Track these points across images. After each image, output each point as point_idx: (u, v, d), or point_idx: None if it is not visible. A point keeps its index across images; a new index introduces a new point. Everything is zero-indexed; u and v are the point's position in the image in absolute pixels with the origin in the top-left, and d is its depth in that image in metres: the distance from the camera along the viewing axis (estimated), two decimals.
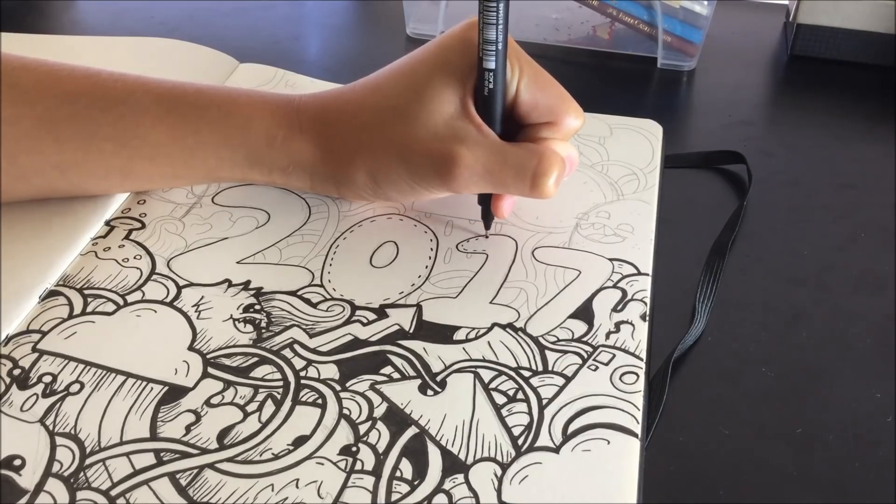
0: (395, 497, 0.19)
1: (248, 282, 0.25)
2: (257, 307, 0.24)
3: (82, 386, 0.22)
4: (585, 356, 0.23)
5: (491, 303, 0.25)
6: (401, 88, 0.24)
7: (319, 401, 0.22)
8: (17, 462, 0.20)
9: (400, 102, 0.24)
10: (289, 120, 0.25)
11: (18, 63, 0.25)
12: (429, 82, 0.24)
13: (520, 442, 0.21)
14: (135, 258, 0.26)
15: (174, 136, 0.25)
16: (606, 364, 0.23)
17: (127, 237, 0.27)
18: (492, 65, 0.23)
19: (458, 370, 0.23)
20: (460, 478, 0.20)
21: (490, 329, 0.24)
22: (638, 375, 0.23)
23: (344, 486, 0.20)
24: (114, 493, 0.19)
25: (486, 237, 0.27)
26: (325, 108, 0.25)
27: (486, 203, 0.26)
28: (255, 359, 0.23)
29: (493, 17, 0.23)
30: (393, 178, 0.25)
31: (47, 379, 0.22)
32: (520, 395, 0.22)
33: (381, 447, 0.21)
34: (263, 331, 0.24)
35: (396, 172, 0.24)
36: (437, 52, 0.25)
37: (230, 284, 0.25)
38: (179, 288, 0.25)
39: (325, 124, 0.25)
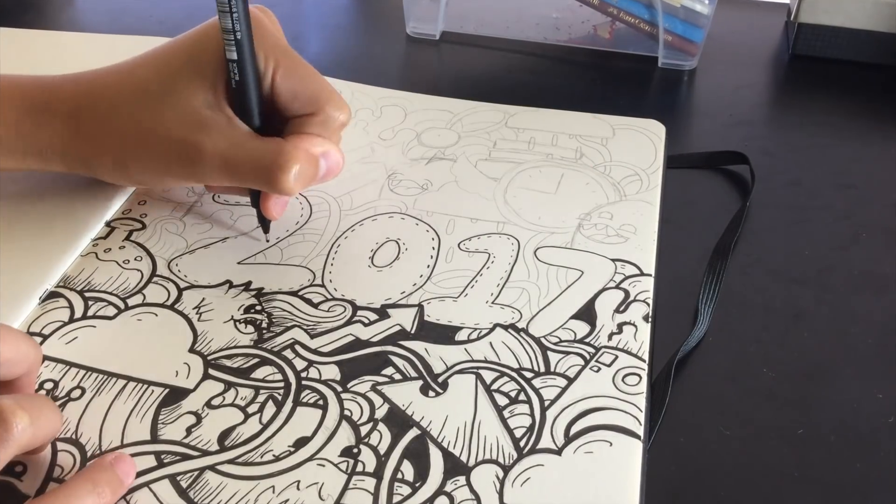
0: (396, 499, 0.19)
1: (249, 282, 0.25)
2: (258, 308, 0.24)
3: (83, 391, 0.22)
4: (588, 357, 0.23)
5: (493, 303, 0.25)
6: (153, 73, 0.24)
7: (320, 402, 0.22)
8: (19, 468, 0.20)
9: (151, 87, 0.24)
10: (39, 104, 0.25)
11: None
12: (181, 69, 0.24)
13: (522, 444, 0.21)
14: (135, 259, 0.26)
15: None
16: (609, 365, 0.23)
17: (128, 238, 0.27)
18: (234, 55, 0.23)
19: (460, 371, 0.23)
20: (462, 480, 0.20)
21: (492, 330, 0.24)
22: (640, 377, 0.22)
23: (345, 488, 0.20)
24: None
25: (267, 241, 0.26)
26: (79, 89, 0.25)
27: (257, 204, 0.26)
28: (256, 360, 0.23)
29: (225, 4, 0.22)
30: (140, 163, 0.25)
31: (48, 385, 0.22)
32: (522, 397, 0.22)
33: (382, 449, 0.20)
34: (264, 332, 0.24)
35: (143, 158, 0.24)
36: (193, 39, 0.24)
37: (231, 285, 0.25)
38: (180, 290, 0.25)
39: (78, 106, 0.25)
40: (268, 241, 0.26)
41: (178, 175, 0.25)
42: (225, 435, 0.21)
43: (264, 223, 0.26)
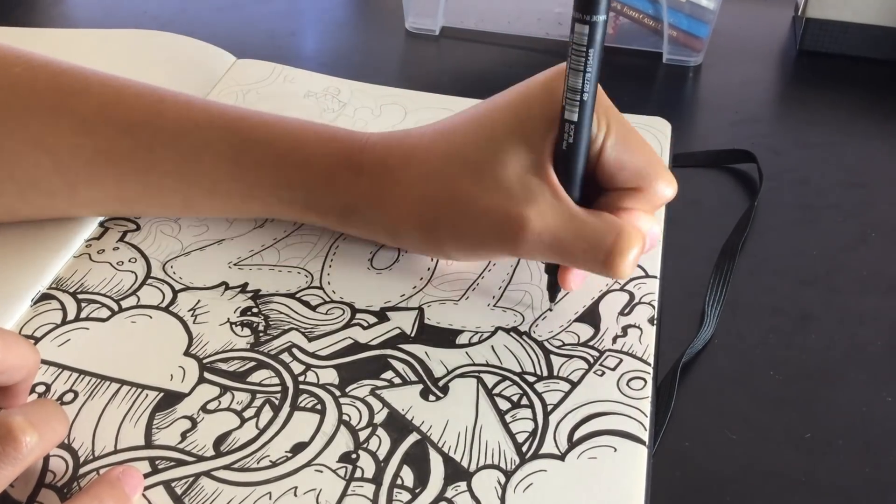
0: None
1: (246, 284, 0.25)
2: (255, 310, 0.24)
3: (76, 395, 0.22)
4: (592, 361, 0.23)
5: (494, 306, 0.24)
6: (473, 137, 0.22)
7: (318, 406, 0.21)
8: None
9: (471, 152, 0.22)
10: (351, 160, 0.24)
11: (81, 85, 0.24)
12: (505, 133, 0.22)
13: (524, 449, 0.20)
14: (129, 261, 0.26)
15: (234, 173, 0.24)
16: (613, 369, 0.22)
17: (121, 239, 0.26)
18: (574, 117, 0.21)
19: (461, 375, 0.22)
20: (463, 486, 0.19)
21: (494, 333, 0.23)
22: (645, 381, 0.22)
23: (343, 494, 0.19)
24: None
25: (551, 310, 0.24)
26: (390, 149, 0.23)
27: (554, 273, 0.23)
28: (253, 363, 0.23)
29: (580, 62, 0.20)
30: (454, 236, 0.22)
31: (41, 389, 0.22)
32: (524, 401, 0.21)
33: (381, 454, 0.20)
34: (261, 334, 0.23)
35: (458, 231, 0.22)
36: (517, 99, 0.22)
37: (227, 287, 0.25)
38: (175, 292, 0.25)
39: (387, 168, 0.23)
40: (552, 309, 0.24)
41: (495, 250, 0.22)
42: (221, 440, 0.20)
43: (553, 293, 0.24)
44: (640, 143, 0.22)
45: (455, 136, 0.23)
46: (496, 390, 0.22)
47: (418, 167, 0.23)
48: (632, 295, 0.25)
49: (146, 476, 0.20)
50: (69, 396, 0.21)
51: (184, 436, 0.20)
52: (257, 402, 0.21)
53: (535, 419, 0.21)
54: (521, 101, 0.22)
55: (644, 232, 0.22)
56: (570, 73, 0.21)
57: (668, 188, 0.22)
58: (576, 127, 0.21)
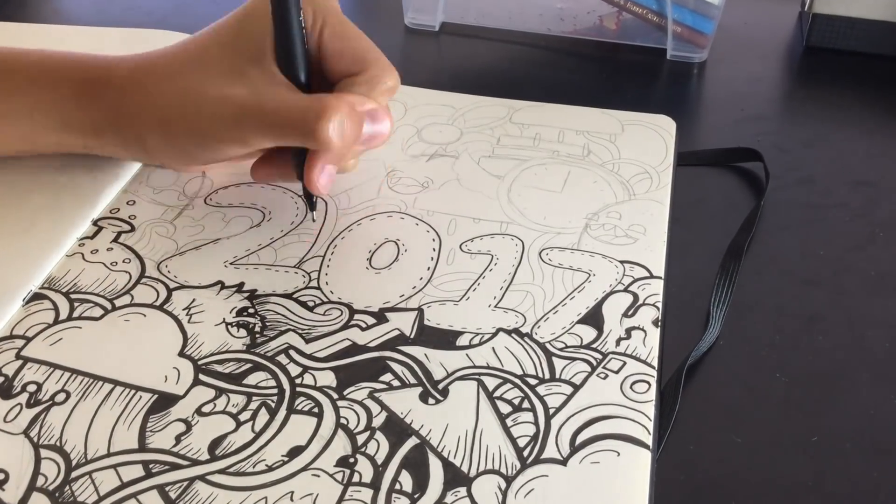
0: None
1: (242, 284, 0.25)
2: (251, 311, 0.24)
3: (68, 395, 0.21)
4: (595, 363, 0.22)
5: (496, 307, 0.24)
6: (203, 41, 0.25)
7: (315, 409, 0.21)
8: (0, 476, 0.19)
9: (201, 53, 0.25)
10: (98, 79, 0.25)
11: None
12: (230, 34, 0.24)
13: (525, 453, 0.20)
14: (123, 262, 0.25)
15: None
16: (616, 372, 0.22)
17: (115, 240, 0.26)
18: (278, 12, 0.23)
19: (461, 378, 0.22)
20: (463, 491, 0.19)
21: (495, 334, 0.23)
22: (649, 384, 0.22)
23: (341, 500, 0.19)
24: None
25: (314, 221, 0.26)
26: (137, 65, 0.25)
27: (302, 177, 0.25)
28: (249, 365, 0.22)
29: None
30: (186, 129, 0.25)
31: (32, 388, 0.21)
32: (525, 405, 0.21)
33: (379, 458, 0.20)
34: (257, 336, 0.23)
35: (189, 123, 0.24)
36: (243, 8, 0.25)
37: (223, 287, 0.24)
38: (170, 290, 0.24)
39: (132, 80, 0.25)
40: (314, 220, 0.26)
41: (223, 138, 0.24)
42: (216, 444, 0.20)
43: (309, 199, 0.26)
44: (358, 34, 0.25)
45: (191, 43, 0.25)
46: (497, 393, 0.21)
47: (159, 75, 0.25)
48: (636, 296, 0.24)
49: (140, 480, 0.19)
50: (61, 397, 0.21)
51: (178, 439, 0.20)
52: (253, 405, 0.21)
53: (536, 423, 0.21)
54: (247, 13, 0.25)
55: (356, 109, 0.24)
56: None
57: (385, 73, 0.25)
58: (282, 17, 0.23)
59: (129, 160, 0.28)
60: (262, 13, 0.24)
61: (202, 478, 0.19)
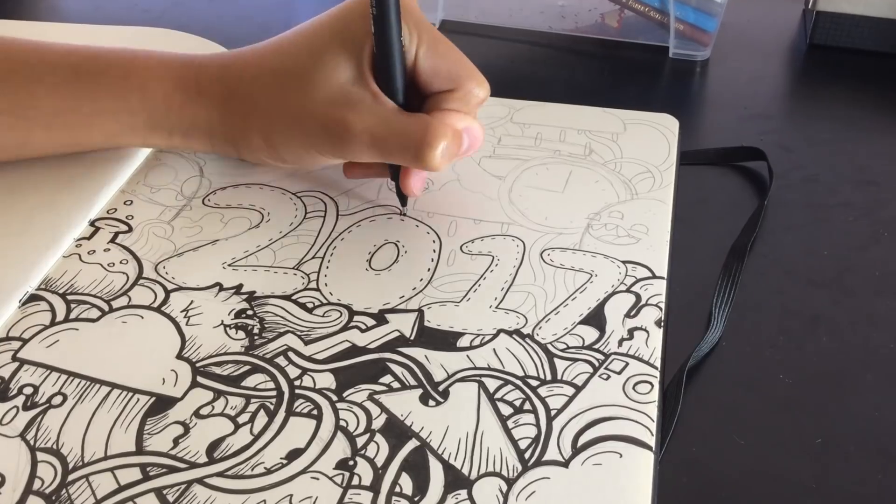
0: None
1: (240, 285, 0.24)
2: (249, 312, 0.24)
3: (65, 398, 0.21)
4: (597, 364, 0.22)
5: (497, 308, 0.24)
6: (299, 51, 0.25)
7: (315, 412, 0.21)
8: None
9: (297, 65, 0.24)
10: (187, 81, 0.26)
11: None
12: (327, 47, 0.24)
13: (527, 455, 0.20)
14: (121, 263, 0.25)
15: (70, 104, 0.25)
16: (619, 373, 0.22)
17: (112, 241, 0.26)
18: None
19: (462, 379, 0.22)
20: (463, 493, 0.19)
21: (495, 335, 0.23)
22: (652, 385, 0.22)
23: (340, 502, 0.19)
24: None
25: (403, 214, 0.27)
26: (225, 69, 0.26)
27: (397, 179, 0.26)
28: (247, 367, 0.22)
29: None
30: (287, 141, 0.25)
31: (28, 391, 0.21)
32: (527, 406, 0.21)
33: (379, 461, 0.20)
34: (256, 337, 0.23)
35: (291, 136, 0.25)
36: (338, 15, 0.25)
37: (221, 288, 0.24)
38: (168, 292, 0.24)
39: (224, 85, 0.25)
40: (404, 215, 0.27)
41: (325, 152, 0.25)
42: (214, 446, 0.20)
43: (402, 198, 0.27)
44: (451, 48, 0.25)
45: (283, 51, 0.25)
46: (498, 395, 0.21)
47: (251, 83, 0.25)
48: (638, 296, 0.24)
49: (137, 483, 0.19)
50: (58, 399, 0.21)
51: (176, 442, 0.20)
52: (252, 408, 0.21)
53: (538, 425, 0.20)
54: (341, 16, 0.25)
55: (453, 126, 0.24)
56: None
57: (478, 87, 0.25)
58: (384, 39, 0.24)
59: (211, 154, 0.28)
60: (359, 26, 0.24)
61: (200, 481, 0.19)
